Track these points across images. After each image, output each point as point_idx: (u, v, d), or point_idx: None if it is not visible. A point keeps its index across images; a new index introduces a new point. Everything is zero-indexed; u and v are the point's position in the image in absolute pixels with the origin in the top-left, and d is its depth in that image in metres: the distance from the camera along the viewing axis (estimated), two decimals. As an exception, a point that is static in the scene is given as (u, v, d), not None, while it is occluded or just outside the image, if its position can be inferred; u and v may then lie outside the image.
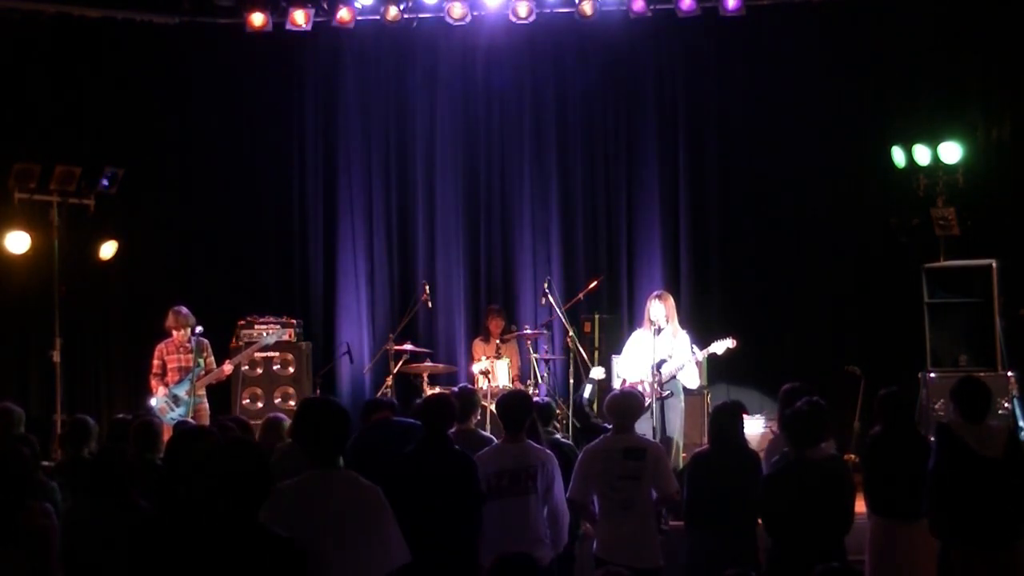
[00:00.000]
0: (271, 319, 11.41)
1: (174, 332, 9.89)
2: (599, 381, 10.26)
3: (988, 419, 6.09)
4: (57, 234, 11.17)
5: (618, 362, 10.10)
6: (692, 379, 9.53)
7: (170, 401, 9.75)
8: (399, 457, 6.08)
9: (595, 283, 11.48)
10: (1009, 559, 5.92)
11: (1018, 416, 9.86)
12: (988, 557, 5.89)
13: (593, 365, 10.90)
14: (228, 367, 10.11)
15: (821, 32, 11.82)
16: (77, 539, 5.31)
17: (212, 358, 10.08)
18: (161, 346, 9.98)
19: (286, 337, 11.04)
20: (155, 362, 9.97)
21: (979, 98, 11.57)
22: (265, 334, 10.69)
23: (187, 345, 9.81)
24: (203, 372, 9.89)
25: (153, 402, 9.83)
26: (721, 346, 9.49)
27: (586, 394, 10.06)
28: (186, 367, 9.79)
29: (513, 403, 6.41)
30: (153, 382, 9.92)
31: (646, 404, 8.55)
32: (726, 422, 6.61)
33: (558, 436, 7.67)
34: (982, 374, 9.96)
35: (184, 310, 9.97)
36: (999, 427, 6.11)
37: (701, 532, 6.43)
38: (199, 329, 9.87)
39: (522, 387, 10.80)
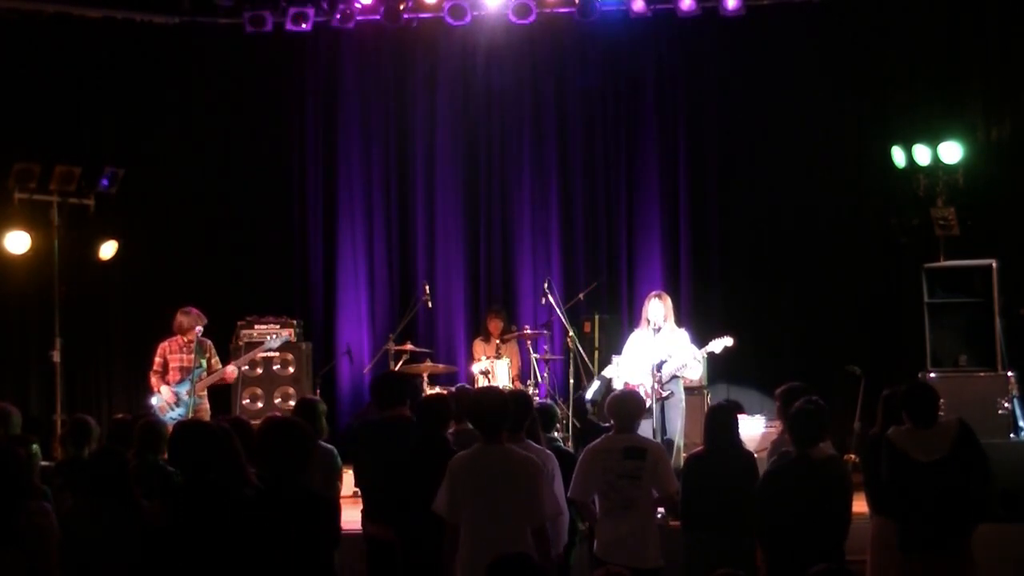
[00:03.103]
0: (271, 319, 11.40)
1: (185, 331, 9.83)
2: (609, 380, 10.19)
3: (938, 422, 6.14)
4: (57, 234, 11.17)
5: (618, 363, 10.09)
6: (694, 372, 9.56)
7: (170, 400, 9.69)
8: (396, 458, 6.10)
9: (594, 284, 11.53)
10: (960, 559, 6.00)
11: (1018, 416, 9.85)
12: (939, 560, 5.96)
13: (593, 365, 10.90)
14: (232, 369, 10.07)
15: (821, 32, 11.82)
16: (78, 540, 5.31)
17: (216, 358, 10.02)
18: (164, 344, 9.89)
19: (289, 339, 11.00)
20: (156, 359, 9.86)
21: (979, 98, 11.57)
22: (269, 338, 10.65)
23: (190, 345, 9.78)
24: (205, 373, 9.85)
25: (154, 400, 9.77)
26: (719, 344, 9.50)
27: (588, 394, 10.01)
28: (187, 367, 9.74)
29: (513, 403, 6.41)
30: (153, 379, 9.83)
31: (647, 405, 8.56)
32: (721, 423, 6.61)
33: (560, 442, 7.66)
34: (982, 374, 10.03)
35: (194, 310, 9.91)
36: (949, 424, 6.13)
37: (697, 533, 6.44)
38: (199, 330, 9.83)
39: (522, 387, 10.79)
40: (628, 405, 6.56)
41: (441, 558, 5.66)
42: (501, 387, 6.95)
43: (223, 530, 4.78)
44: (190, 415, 9.37)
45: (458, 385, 8.13)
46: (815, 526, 5.78)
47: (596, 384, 9.89)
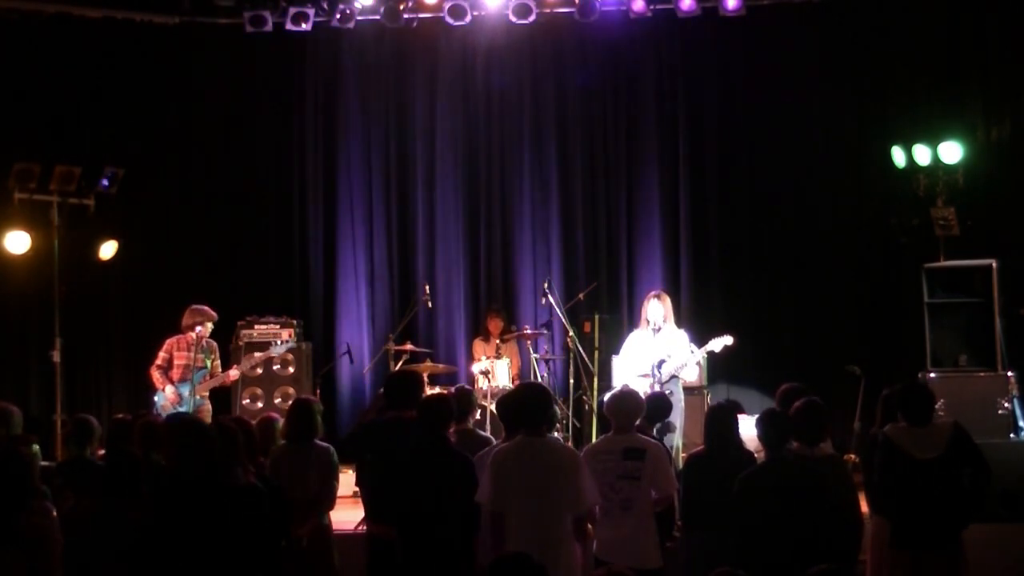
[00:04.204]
0: (271, 319, 11.39)
1: (198, 328, 9.76)
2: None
3: (933, 421, 6.19)
4: (57, 234, 11.17)
5: (617, 363, 10.08)
6: (691, 373, 9.55)
7: (174, 400, 9.62)
8: (397, 458, 6.10)
9: (594, 284, 11.55)
10: (952, 556, 6.04)
11: (1018, 416, 9.85)
12: (931, 557, 6.00)
13: (593, 365, 10.90)
14: (234, 373, 10.06)
15: (821, 32, 11.82)
16: (82, 539, 5.31)
17: (218, 362, 9.99)
18: (172, 341, 9.78)
19: (293, 344, 10.97)
20: (162, 355, 9.74)
21: (979, 98, 11.57)
22: (275, 342, 10.61)
23: (198, 343, 9.74)
24: (209, 375, 9.81)
25: (157, 398, 9.70)
26: (719, 343, 9.50)
27: (607, 397, 9.97)
28: (192, 366, 9.71)
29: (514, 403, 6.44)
30: (157, 375, 9.70)
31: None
32: (721, 422, 6.61)
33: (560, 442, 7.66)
34: (982, 374, 10.03)
35: (204, 308, 9.84)
36: (944, 425, 6.16)
37: (698, 532, 6.44)
38: (200, 329, 9.79)
39: (522, 387, 10.77)
40: (627, 405, 6.57)
41: (471, 548, 5.83)
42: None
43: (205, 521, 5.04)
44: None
45: (458, 385, 8.13)
46: (803, 528, 5.73)
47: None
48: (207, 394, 9.80)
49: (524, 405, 5.97)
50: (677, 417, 9.28)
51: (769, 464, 5.94)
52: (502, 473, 5.75)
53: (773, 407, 6.10)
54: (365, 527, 6.76)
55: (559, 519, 5.69)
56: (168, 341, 9.83)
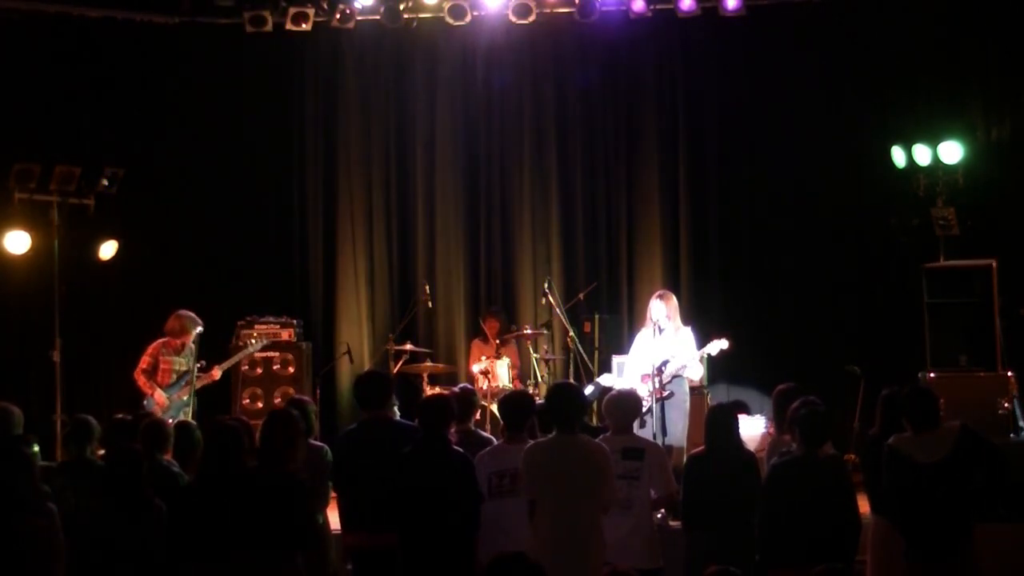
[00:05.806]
0: (271, 319, 11.39)
1: (179, 335, 9.76)
2: (605, 388, 10.19)
3: (940, 425, 6.12)
4: (57, 234, 11.16)
5: (619, 364, 10.08)
6: (695, 372, 9.58)
7: (162, 404, 9.59)
8: (398, 457, 6.11)
9: (594, 284, 11.54)
10: (960, 561, 6.00)
11: (1018, 416, 9.85)
12: (943, 564, 5.96)
13: (593, 365, 10.90)
14: (217, 371, 10.06)
15: (821, 32, 11.82)
16: (85, 539, 5.31)
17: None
18: (158, 344, 9.76)
19: (266, 342, 10.96)
20: (147, 359, 9.70)
21: (979, 98, 11.58)
22: (251, 342, 10.59)
23: (183, 348, 9.73)
24: (193, 377, 9.80)
25: (147, 403, 9.60)
26: (715, 347, 9.49)
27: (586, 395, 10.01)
28: (180, 370, 9.69)
29: (515, 403, 6.45)
30: (143, 379, 9.67)
31: (647, 405, 8.57)
32: (721, 423, 6.62)
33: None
34: (982, 374, 10.03)
35: (189, 313, 9.85)
36: (951, 428, 6.13)
37: (698, 532, 6.45)
38: (198, 331, 9.78)
39: (522, 387, 10.79)
40: (625, 405, 6.58)
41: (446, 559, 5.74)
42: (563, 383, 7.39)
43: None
44: (180, 418, 9.31)
45: (460, 385, 8.13)
46: (820, 523, 5.77)
47: (591, 388, 9.88)
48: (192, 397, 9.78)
49: (560, 405, 6.12)
50: (681, 417, 9.29)
51: (802, 458, 5.96)
52: (536, 468, 5.93)
53: (817, 407, 6.10)
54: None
55: (590, 513, 5.89)
56: (154, 345, 9.79)
